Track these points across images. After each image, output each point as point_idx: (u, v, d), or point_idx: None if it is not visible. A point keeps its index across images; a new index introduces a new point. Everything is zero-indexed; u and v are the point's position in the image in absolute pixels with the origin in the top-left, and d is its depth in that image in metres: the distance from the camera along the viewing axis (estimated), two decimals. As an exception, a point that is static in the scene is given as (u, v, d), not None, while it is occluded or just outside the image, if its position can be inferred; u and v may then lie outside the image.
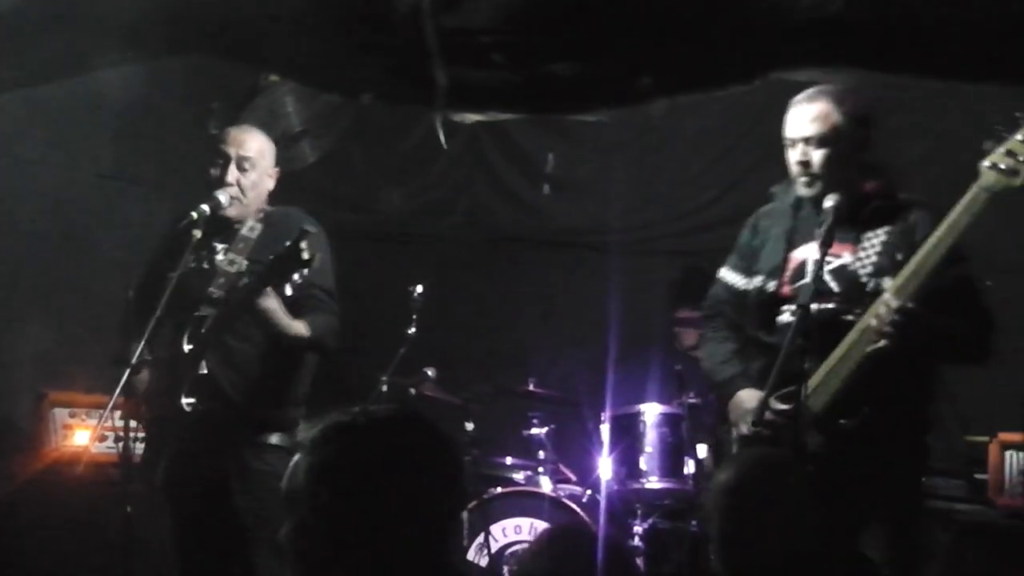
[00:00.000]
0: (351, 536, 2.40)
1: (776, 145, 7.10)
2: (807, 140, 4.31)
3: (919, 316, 4.01)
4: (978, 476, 5.49)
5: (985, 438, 5.50)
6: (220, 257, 4.90)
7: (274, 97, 6.67)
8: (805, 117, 4.32)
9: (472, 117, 4.79)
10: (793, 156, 4.37)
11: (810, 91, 4.36)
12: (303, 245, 4.46)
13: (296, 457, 2.49)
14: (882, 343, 4.02)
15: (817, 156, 4.30)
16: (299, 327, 4.78)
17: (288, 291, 4.58)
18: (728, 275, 4.63)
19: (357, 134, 7.53)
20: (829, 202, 4.22)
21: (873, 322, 4.03)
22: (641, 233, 7.90)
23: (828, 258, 4.20)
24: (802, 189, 4.36)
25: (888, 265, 4.17)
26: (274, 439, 4.85)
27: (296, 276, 4.51)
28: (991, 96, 5.26)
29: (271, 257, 4.58)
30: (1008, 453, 5.37)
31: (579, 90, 4.49)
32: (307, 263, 4.47)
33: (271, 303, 4.65)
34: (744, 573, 3.28)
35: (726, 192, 7.56)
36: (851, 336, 4.09)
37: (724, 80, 4.46)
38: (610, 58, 4.36)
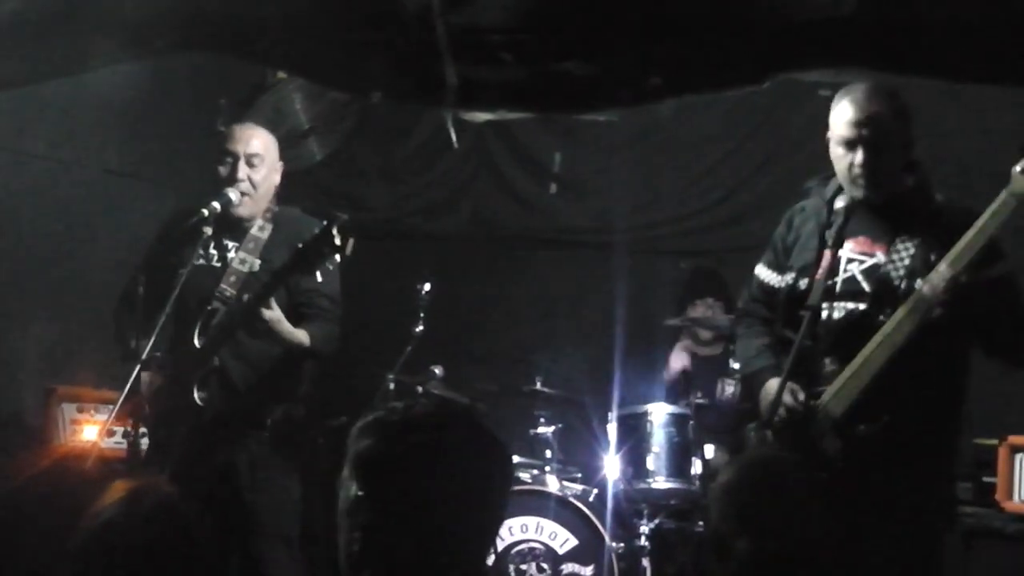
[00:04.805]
0: (385, 529, 2.40)
1: (783, 145, 7.19)
2: (861, 141, 4.14)
3: (972, 288, 3.93)
4: (986, 479, 5.46)
5: (994, 441, 5.46)
6: (232, 255, 4.90)
7: (281, 95, 6.67)
8: (859, 117, 4.14)
9: (481, 116, 4.79)
10: (842, 155, 4.20)
11: (858, 88, 4.19)
12: (335, 231, 4.43)
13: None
14: (937, 312, 3.92)
15: (872, 158, 4.14)
16: (300, 336, 4.78)
17: (319, 277, 4.57)
18: (763, 272, 4.54)
19: (362, 132, 7.54)
20: (840, 203, 4.20)
21: (926, 292, 3.94)
22: (647, 233, 7.87)
23: (862, 257, 4.17)
24: (853, 190, 4.21)
25: (921, 268, 4.07)
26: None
27: (328, 263, 4.50)
28: (998, 97, 5.27)
29: (299, 245, 4.55)
30: (1017, 456, 5.33)
31: (588, 89, 4.49)
32: (339, 249, 4.44)
33: (274, 313, 4.65)
34: (738, 574, 3.27)
35: (732, 192, 7.55)
36: (875, 339, 4.02)
37: (735, 80, 4.47)
38: (620, 58, 4.36)
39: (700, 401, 6.27)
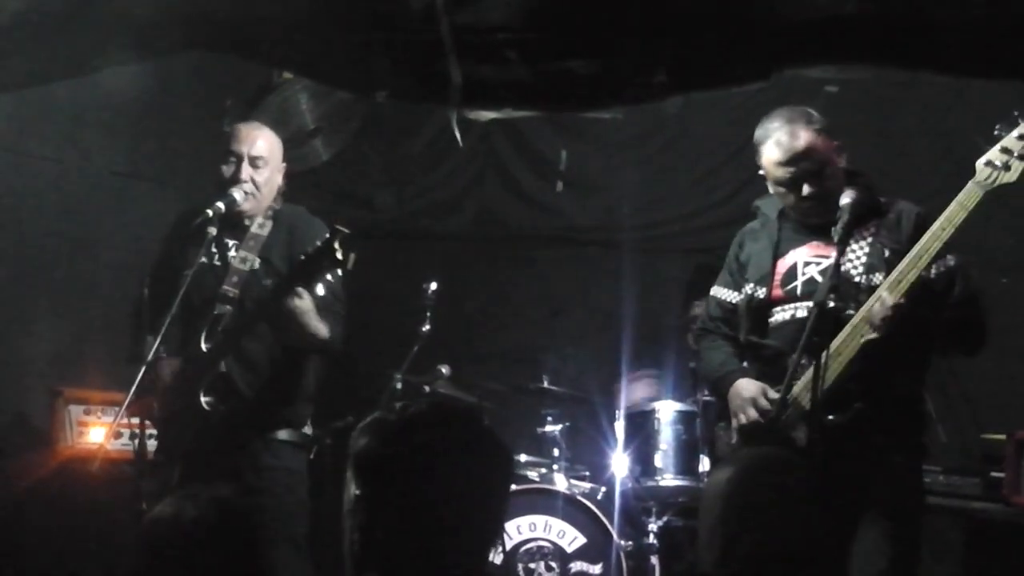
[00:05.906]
0: (383, 529, 2.40)
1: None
2: (801, 177, 4.37)
3: (911, 312, 4.06)
4: (994, 474, 5.46)
5: (1002, 436, 5.47)
6: (232, 254, 4.89)
7: (287, 95, 6.65)
8: (789, 156, 4.37)
9: (486, 115, 4.78)
10: (784, 193, 4.46)
11: (778, 126, 4.43)
12: (336, 245, 4.38)
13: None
14: (874, 335, 4.08)
15: (817, 187, 4.36)
16: (323, 329, 4.75)
17: (320, 291, 4.52)
18: (720, 292, 4.74)
19: (368, 132, 7.53)
20: (846, 199, 4.25)
21: (874, 314, 4.09)
22: (653, 231, 7.87)
23: (818, 259, 4.35)
24: (808, 218, 4.44)
25: (877, 262, 4.27)
26: (284, 435, 4.86)
27: (329, 276, 4.46)
28: (1000, 94, 5.26)
29: (301, 257, 4.50)
30: (1025, 451, 5.35)
31: (594, 87, 4.48)
32: (341, 263, 4.38)
33: (304, 303, 4.60)
34: (737, 572, 3.26)
35: (738, 190, 7.52)
36: (843, 333, 4.15)
37: (740, 77, 4.47)
38: (624, 55, 4.35)
39: (707, 398, 6.26)
